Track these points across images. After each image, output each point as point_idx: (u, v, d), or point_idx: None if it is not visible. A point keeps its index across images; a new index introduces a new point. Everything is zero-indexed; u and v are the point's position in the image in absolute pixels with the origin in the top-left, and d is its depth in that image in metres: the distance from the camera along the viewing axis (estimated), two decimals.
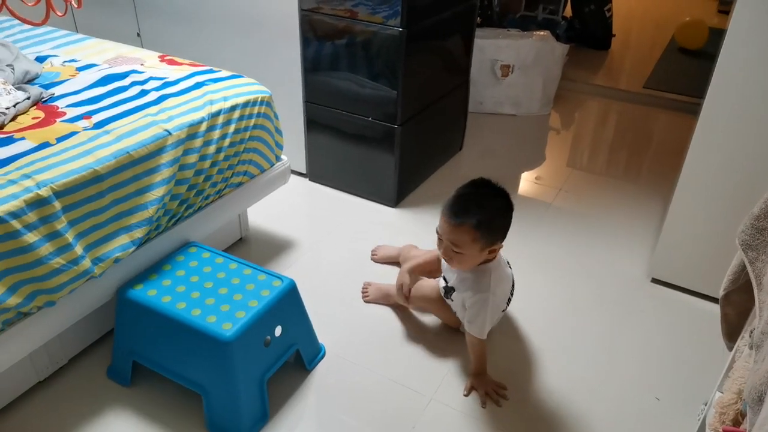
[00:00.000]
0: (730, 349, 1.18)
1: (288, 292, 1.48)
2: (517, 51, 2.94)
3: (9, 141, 1.42)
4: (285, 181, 2.00)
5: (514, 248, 2.06)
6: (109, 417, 1.45)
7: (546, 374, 1.62)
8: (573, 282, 1.96)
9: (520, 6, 3.75)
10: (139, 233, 1.48)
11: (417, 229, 2.18)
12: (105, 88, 1.69)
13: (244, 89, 1.77)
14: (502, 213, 1.47)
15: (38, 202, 1.27)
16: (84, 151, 1.40)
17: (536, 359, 1.66)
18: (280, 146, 1.93)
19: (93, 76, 1.76)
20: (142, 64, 1.87)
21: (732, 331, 1.15)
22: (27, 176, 1.29)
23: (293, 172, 2.35)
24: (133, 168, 1.45)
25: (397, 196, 2.30)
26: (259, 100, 1.78)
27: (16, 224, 1.23)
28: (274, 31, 2.21)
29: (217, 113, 1.65)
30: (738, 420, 0.99)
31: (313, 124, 2.33)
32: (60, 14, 1.35)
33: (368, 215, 2.26)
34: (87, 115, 1.55)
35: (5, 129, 1.48)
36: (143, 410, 1.47)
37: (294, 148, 2.36)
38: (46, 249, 1.28)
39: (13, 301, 1.25)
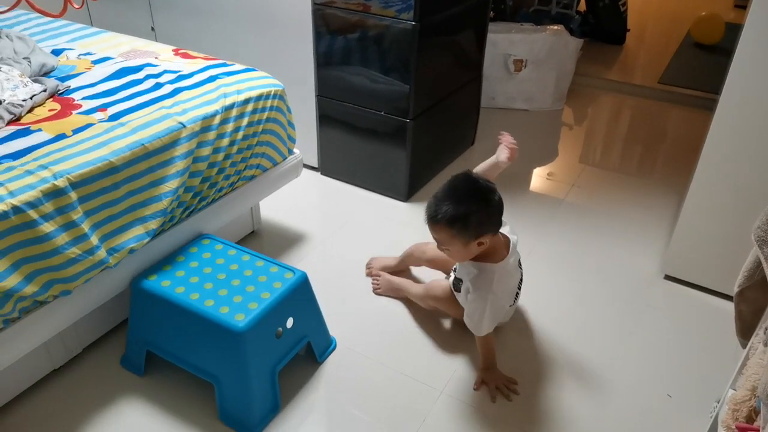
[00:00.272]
0: (744, 346, 1.17)
1: (300, 284, 1.49)
2: (531, 45, 2.93)
3: (26, 132, 1.44)
4: (297, 175, 2.01)
5: (526, 244, 2.07)
6: (122, 405, 1.47)
7: (557, 370, 1.61)
8: (585, 278, 1.95)
9: (533, 0, 3.73)
10: (153, 224, 1.49)
11: None
12: (120, 81, 1.71)
13: (258, 82, 1.78)
14: (477, 207, 1.42)
15: (55, 193, 1.28)
16: (100, 143, 1.41)
17: (547, 355, 1.66)
18: (292, 139, 1.93)
19: (108, 69, 1.78)
20: (156, 58, 1.88)
21: (746, 328, 1.15)
22: (44, 167, 1.31)
23: (305, 166, 2.36)
24: (148, 160, 1.47)
25: (408, 191, 2.30)
26: (272, 93, 1.79)
27: (33, 214, 1.25)
28: (287, 25, 2.22)
29: (231, 106, 1.66)
30: (751, 417, 0.98)
31: (325, 118, 2.33)
32: (77, 6, 1.36)
33: (379, 209, 2.27)
34: (102, 108, 1.56)
35: (22, 120, 1.50)
36: (156, 399, 1.49)
37: (306, 142, 2.36)
38: (62, 239, 1.30)
39: (29, 289, 1.27)
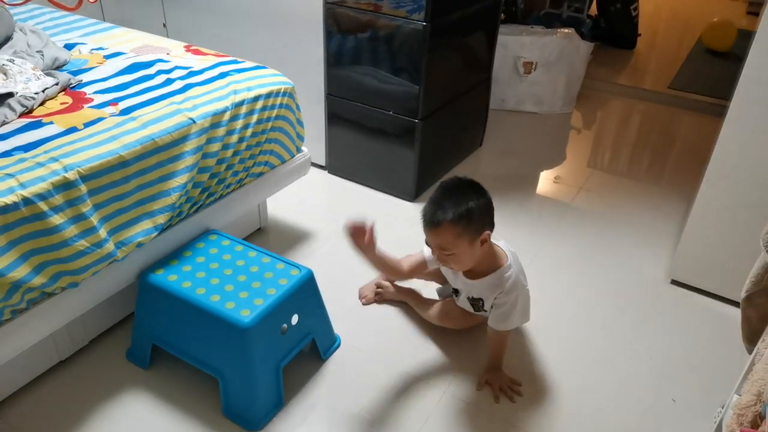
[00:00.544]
0: (750, 352, 1.17)
1: (306, 281, 1.50)
2: (541, 48, 2.92)
3: (38, 125, 1.46)
4: (305, 173, 2.01)
5: (532, 247, 2.06)
6: (127, 398, 1.48)
7: (561, 373, 1.61)
8: (592, 282, 1.95)
9: (544, 3, 3.72)
10: (161, 219, 1.50)
11: None
12: (131, 76, 1.72)
13: (268, 80, 1.79)
14: (476, 201, 1.42)
15: (65, 185, 1.30)
16: (110, 137, 1.42)
17: (552, 358, 1.66)
18: (301, 138, 1.94)
19: (120, 63, 1.79)
20: (168, 54, 1.89)
21: (753, 333, 1.14)
22: (54, 159, 1.32)
23: (313, 164, 2.36)
24: (158, 155, 1.48)
25: (415, 191, 2.30)
26: (282, 91, 1.80)
27: (43, 206, 1.26)
28: (298, 24, 2.23)
29: (241, 103, 1.67)
30: (756, 422, 0.97)
31: (334, 117, 2.34)
32: (92, 0, 1.37)
33: (387, 209, 2.27)
34: (114, 102, 1.57)
35: (34, 113, 1.52)
36: (161, 392, 1.50)
37: (314, 141, 2.37)
38: (71, 231, 1.31)
39: (38, 280, 1.28)
